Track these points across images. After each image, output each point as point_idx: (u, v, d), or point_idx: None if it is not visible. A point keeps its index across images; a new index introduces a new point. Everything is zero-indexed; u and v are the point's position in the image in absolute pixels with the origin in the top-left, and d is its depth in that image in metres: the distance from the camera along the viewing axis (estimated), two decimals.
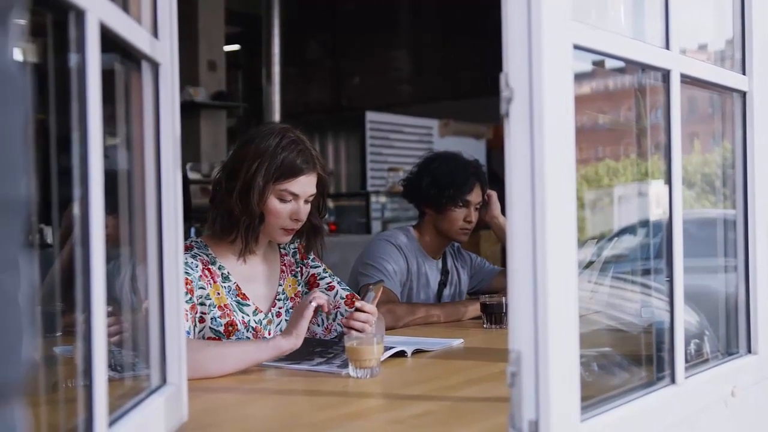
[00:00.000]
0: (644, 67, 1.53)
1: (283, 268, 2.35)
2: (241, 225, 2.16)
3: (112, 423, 1.07)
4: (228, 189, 2.16)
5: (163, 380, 1.35)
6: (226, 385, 1.82)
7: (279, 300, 2.30)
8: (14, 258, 0.56)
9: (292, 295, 2.34)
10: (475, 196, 2.96)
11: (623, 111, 1.92)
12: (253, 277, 2.27)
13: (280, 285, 2.32)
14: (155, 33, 1.33)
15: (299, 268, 2.38)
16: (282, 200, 2.17)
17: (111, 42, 1.10)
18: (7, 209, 0.55)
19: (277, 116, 9.01)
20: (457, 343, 2.32)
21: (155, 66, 1.33)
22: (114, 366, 1.26)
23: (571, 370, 1.19)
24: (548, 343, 1.14)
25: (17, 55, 0.61)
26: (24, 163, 0.58)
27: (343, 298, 2.33)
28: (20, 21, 0.62)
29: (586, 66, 1.39)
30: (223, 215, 2.18)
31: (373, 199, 7.24)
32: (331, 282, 2.36)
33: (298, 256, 2.39)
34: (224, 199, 2.17)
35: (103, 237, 1.00)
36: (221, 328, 2.13)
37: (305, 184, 2.18)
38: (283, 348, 1.93)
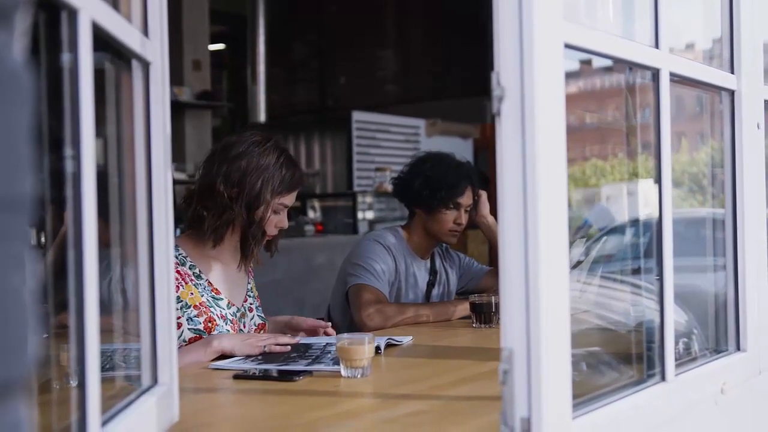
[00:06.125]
0: (634, 66, 1.54)
1: (250, 269, 2.42)
2: (249, 237, 2.23)
3: (104, 423, 1.06)
4: (230, 199, 2.19)
5: (155, 380, 1.35)
6: (217, 385, 1.81)
7: (249, 296, 2.38)
8: (21, 255, 0.57)
9: (257, 295, 2.44)
10: (466, 199, 2.95)
11: (610, 110, 1.93)
12: (224, 275, 2.32)
13: (249, 283, 2.41)
14: (146, 32, 1.32)
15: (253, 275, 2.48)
16: (275, 212, 2.25)
17: (101, 40, 1.09)
18: (14, 207, 0.56)
19: (262, 116, 8.99)
20: (407, 340, 2.32)
21: (146, 65, 1.32)
22: (104, 366, 1.26)
23: (563, 368, 1.19)
24: (540, 340, 1.14)
25: (21, 54, 0.61)
26: (29, 162, 0.59)
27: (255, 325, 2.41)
28: (25, 20, 0.62)
29: (573, 65, 1.39)
30: (227, 223, 2.21)
31: (359, 199, 7.21)
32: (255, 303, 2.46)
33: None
34: (225, 209, 2.19)
35: (95, 238, 0.99)
36: (200, 326, 2.15)
37: (295, 196, 2.30)
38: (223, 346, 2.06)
